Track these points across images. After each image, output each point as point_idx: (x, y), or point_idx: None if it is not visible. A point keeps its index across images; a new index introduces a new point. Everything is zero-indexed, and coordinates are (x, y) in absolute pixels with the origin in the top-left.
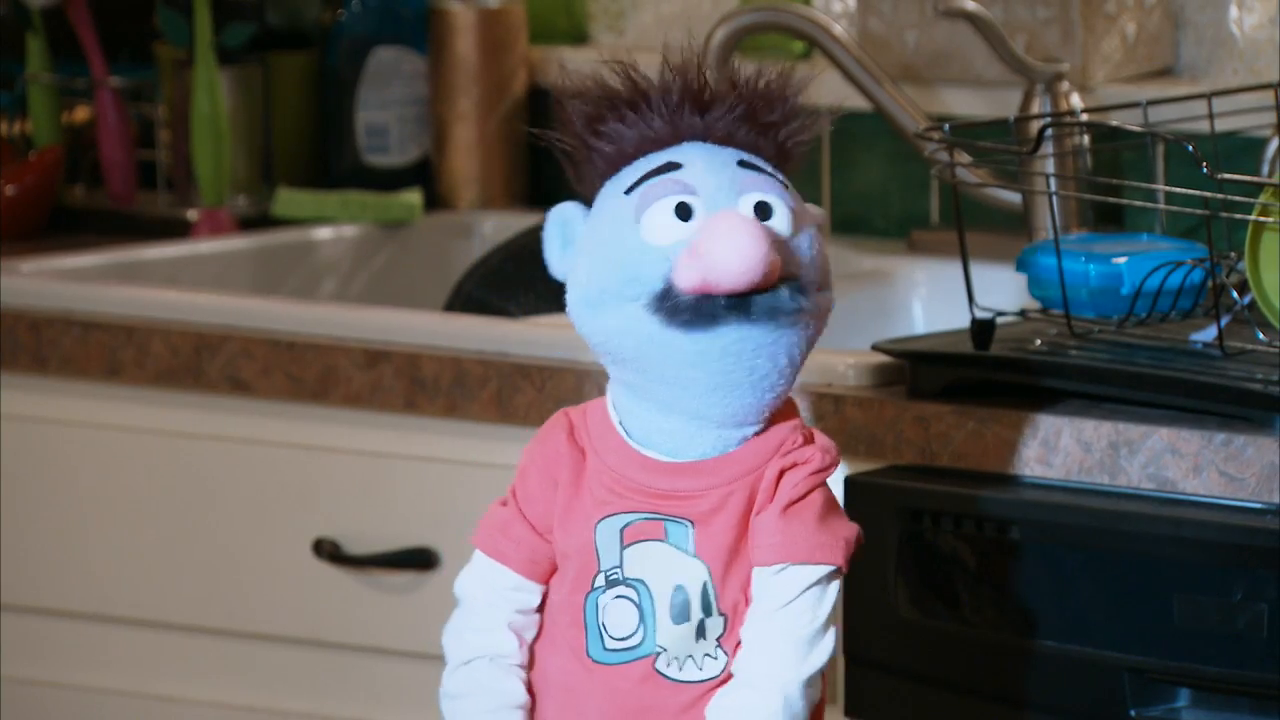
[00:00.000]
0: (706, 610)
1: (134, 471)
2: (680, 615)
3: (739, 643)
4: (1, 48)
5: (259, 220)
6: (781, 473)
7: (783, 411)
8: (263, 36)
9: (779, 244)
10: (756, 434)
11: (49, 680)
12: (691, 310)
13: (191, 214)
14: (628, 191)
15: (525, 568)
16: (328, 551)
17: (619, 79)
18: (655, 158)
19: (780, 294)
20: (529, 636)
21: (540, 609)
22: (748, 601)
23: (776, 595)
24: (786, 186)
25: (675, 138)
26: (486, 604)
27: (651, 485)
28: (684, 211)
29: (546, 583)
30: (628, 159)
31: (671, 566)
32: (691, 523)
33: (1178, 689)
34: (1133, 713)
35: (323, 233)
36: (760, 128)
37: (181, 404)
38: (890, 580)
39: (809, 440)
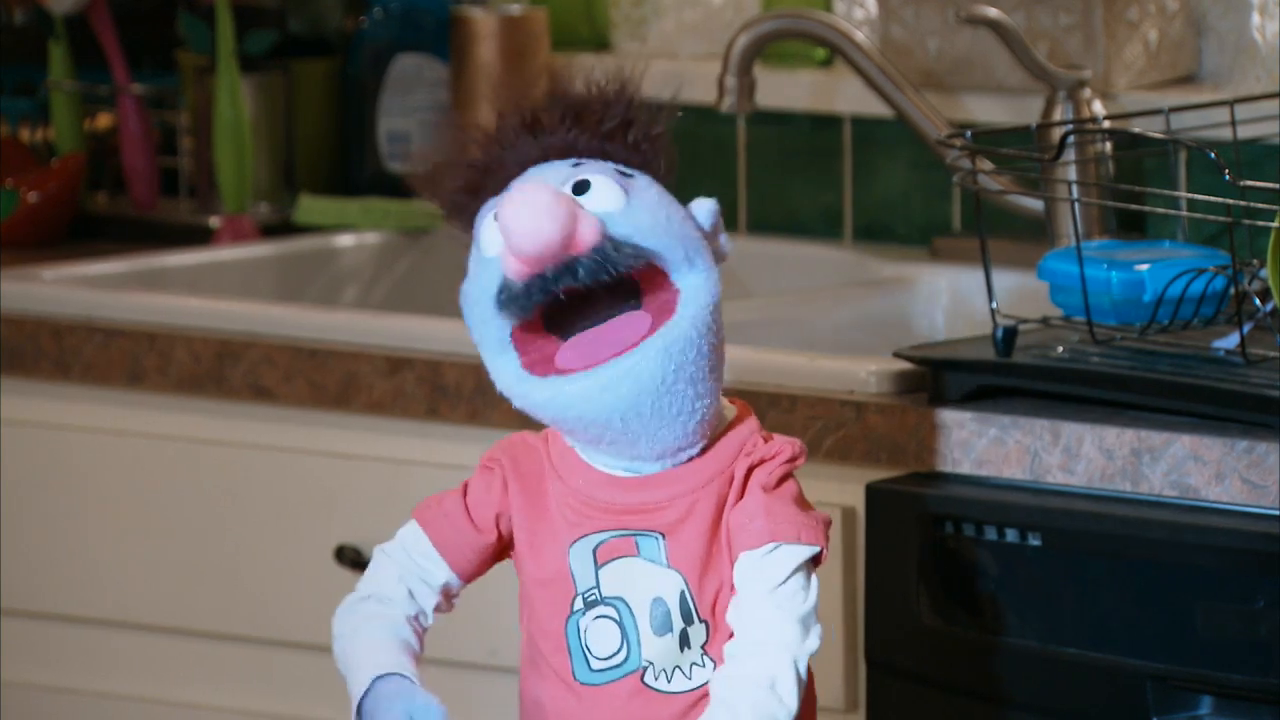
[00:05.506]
0: (688, 619)
1: (156, 478)
2: (662, 627)
3: (730, 636)
4: (24, 54)
5: (281, 227)
6: (750, 470)
7: (738, 420)
8: (285, 44)
9: (589, 215)
10: (709, 446)
11: (71, 687)
12: (524, 293)
13: (214, 221)
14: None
15: (442, 541)
16: (349, 558)
17: (460, 149)
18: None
19: (604, 247)
20: (424, 605)
21: (449, 601)
22: (725, 605)
23: (768, 576)
24: (628, 175)
25: (519, 168)
26: (393, 562)
27: (616, 501)
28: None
29: (459, 572)
30: (484, 203)
31: (648, 580)
32: (662, 535)
33: (1200, 696)
34: None
35: (345, 240)
36: (603, 135)
37: (204, 411)
38: (912, 587)
39: (769, 439)
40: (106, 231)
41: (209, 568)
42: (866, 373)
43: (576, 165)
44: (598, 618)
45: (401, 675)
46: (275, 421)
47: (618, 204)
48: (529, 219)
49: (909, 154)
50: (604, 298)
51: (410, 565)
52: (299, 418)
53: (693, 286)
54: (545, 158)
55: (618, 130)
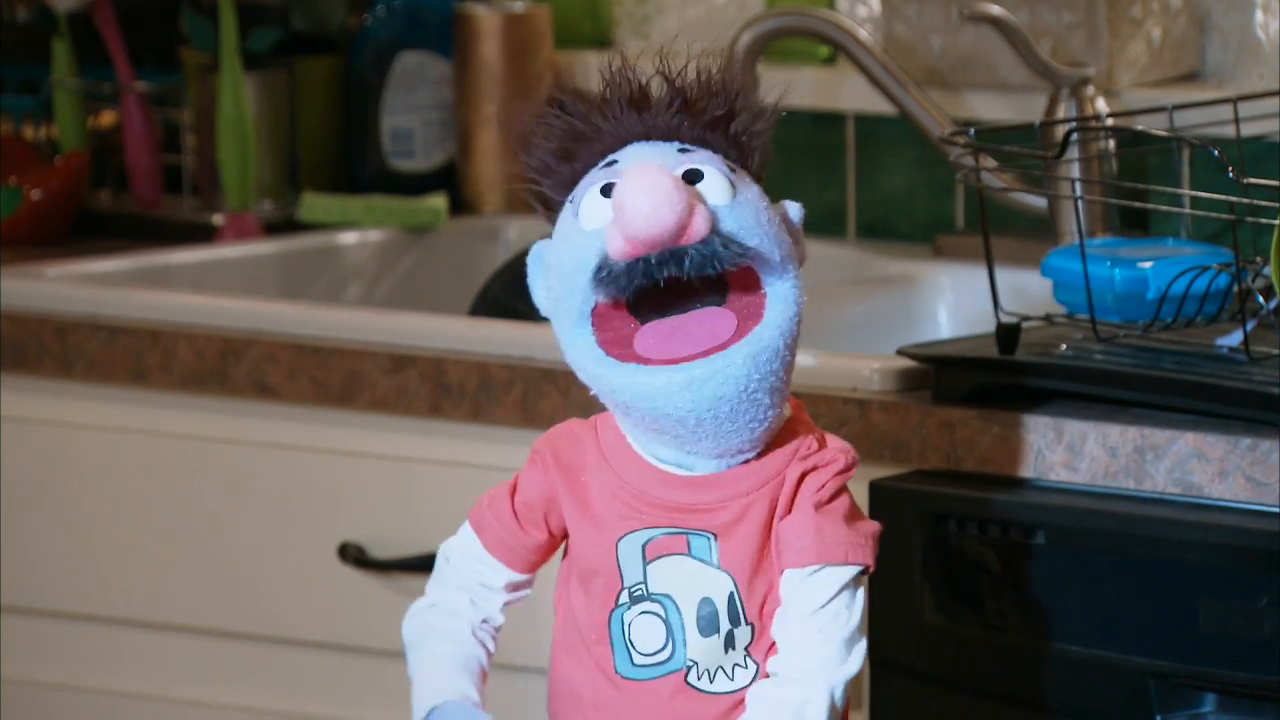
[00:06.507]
0: (735, 621)
1: (159, 476)
2: (709, 628)
3: (771, 647)
4: (27, 52)
5: (284, 225)
6: (803, 476)
7: (793, 419)
8: (288, 41)
9: (704, 207)
10: (766, 448)
11: (73, 685)
12: (625, 275)
13: (217, 218)
14: (572, 199)
15: (494, 545)
16: (353, 556)
17: (563, 113)
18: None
19: (713, 241)
20: (488, 609)
21: (519, 590)
22: (773, 607)
23: (812, 597)
24: (733, 169)
25: (619, 142)
26: (453, 568)
27: (671, 500)
28: (609, 190)
29: (518, 570)
30: (579, 177)
31: (697, 580)
32: (714, 535)
33: (1203, 694)
34: (1158, 718)
35: (348, 237)
36: (706, 123)
37: (207, 408)
38: (915, 585)
39: (824, 444)
40: (110, 229)
41: (212, 565)
42: (870, 370)
43: (684, 151)
44: (643, 613)
45: (454, 701)
46: (278, 419)
47: (726, 199)
48: (648, 204)
49: (912, 151)
50: (692, 288)
51: (468, 571)
52: (302, 415)
53: (781, 293)
54: (648, 137)
55: (721, 121)
